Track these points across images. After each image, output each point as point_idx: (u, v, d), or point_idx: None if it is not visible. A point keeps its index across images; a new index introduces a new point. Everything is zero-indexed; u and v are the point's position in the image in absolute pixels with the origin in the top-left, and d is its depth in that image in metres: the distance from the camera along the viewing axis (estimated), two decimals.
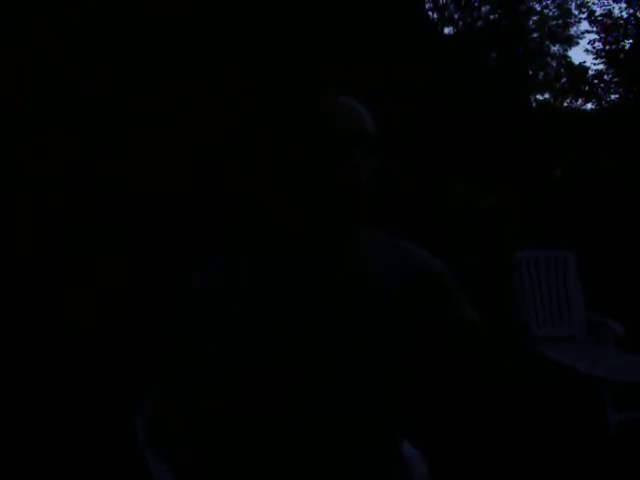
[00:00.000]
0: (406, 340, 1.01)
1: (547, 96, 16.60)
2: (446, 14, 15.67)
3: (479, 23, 15.77)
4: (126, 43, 2.53)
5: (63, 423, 2.28)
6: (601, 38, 14.93)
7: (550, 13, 16.92)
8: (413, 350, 1.02)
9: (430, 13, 14.61)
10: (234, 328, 0.93)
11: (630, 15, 14.42)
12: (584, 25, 28.52)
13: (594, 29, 15.08)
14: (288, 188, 0.98)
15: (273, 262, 0.97)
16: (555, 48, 17.19)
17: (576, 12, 16.51)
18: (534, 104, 15.41)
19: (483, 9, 15.83)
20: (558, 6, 16.63)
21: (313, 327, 0.94)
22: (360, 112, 0.96)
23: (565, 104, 16.18)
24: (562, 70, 16.80)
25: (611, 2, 14.63)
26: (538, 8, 16.66)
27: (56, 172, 2.40)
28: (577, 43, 22.27)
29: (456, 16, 15.91)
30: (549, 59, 17.15)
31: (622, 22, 14.49)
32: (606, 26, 14.83)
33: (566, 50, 17.84)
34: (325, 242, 0.97)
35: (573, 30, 17.20)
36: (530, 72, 16.40)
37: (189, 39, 2.62)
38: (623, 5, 14.41)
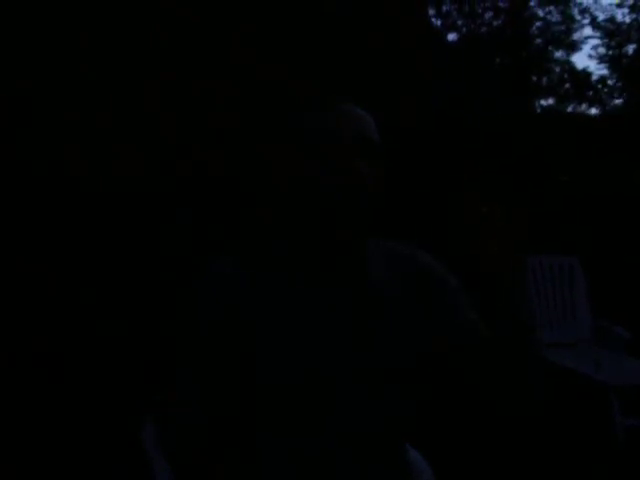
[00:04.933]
0: (412, 349, 1.00)
1: (551, 101, 16.59)
2: (449, 21, 15.69)
3: (482, 29, 15.78)
4: (125, 43, 2.54)
5: (61, 427, 2.29)
6: (604, 43, 14.97)
7: (553, 19, 16.92)
8: (421, 359, 1.01)
9: (433, 20, 14.65)
10: (250, 344, 0.94)
11: (633, 20, 14.45)
12: (587, 30, 28.53)
13: (597, 34, 15.14)
14: (291, 199, 0.97)
15: (279, 279, 0.97)
16: (558, 54, 17.17)
17: (579, 17, 16.50)
18: (538, 109, 15.39)
19: (486, 15, 15.86)
20: (561, 12, 16.63)
21: (321, 343, 0.94)
22: (365, 120, 0.95)
23: (569, 109, 16.17)
24: (565, 75, 16.78)
25: (614, 7, 14.64)
26: (541, 14, 16.68)
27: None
28: (580, 48, 22.26)
29: (459, 23, 15.92)
30: (552, 64, 17.13)
31: (625, 27, 14.51)
32: (609, 31, 14.85)
33: (569, 55, 17.83)
34: (332, 257, 0.96)
35: (576, 35, 17.15)
36: (534, 77, 16.39)
37: (189, 39, 2.64)
38: (626, 10, 14.46)
